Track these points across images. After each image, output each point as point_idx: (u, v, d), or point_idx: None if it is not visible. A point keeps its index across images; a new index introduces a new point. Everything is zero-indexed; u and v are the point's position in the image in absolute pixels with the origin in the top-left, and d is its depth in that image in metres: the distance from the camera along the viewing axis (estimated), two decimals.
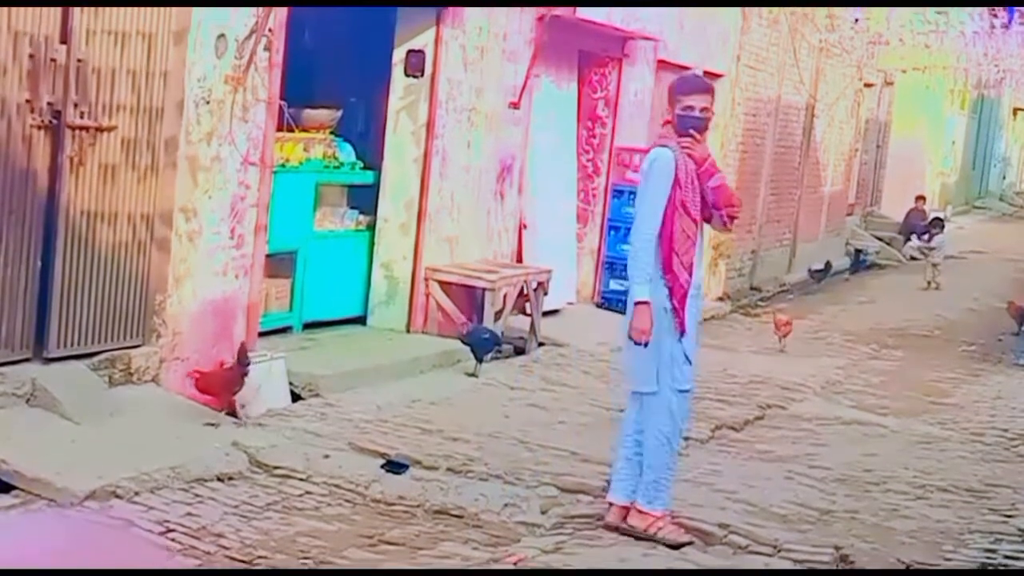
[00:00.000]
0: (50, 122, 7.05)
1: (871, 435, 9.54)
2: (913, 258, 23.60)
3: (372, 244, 10.68)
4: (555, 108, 12.93)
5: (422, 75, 10.45)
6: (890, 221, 26.69)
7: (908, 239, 24.60)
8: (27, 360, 7.18)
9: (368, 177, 10.66)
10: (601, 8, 12.53)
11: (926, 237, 22.07)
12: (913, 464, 8.59)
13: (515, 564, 5.92)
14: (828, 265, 19.32)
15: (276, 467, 6.99)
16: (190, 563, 5.57)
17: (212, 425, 7.41)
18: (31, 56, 6.88)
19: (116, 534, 5.78)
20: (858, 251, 22.80)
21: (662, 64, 14.56)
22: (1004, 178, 44.71)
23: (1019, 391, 12.06)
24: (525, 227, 12.32)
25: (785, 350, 13.08)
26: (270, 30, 8.34)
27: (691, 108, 6.37)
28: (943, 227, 22.39)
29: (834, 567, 6.29)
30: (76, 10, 7.05)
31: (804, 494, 7.51)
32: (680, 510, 6.75)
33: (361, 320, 10.64)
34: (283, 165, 9.44)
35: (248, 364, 7.71)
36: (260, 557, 5.71)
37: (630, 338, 6.22)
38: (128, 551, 5.62)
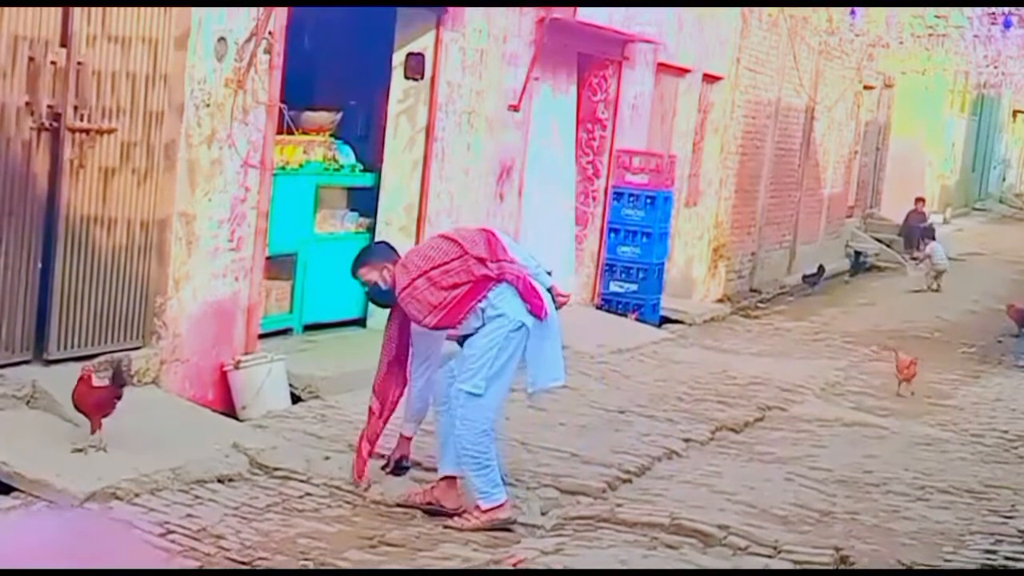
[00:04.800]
0: (50, 125, 7.04)
1: (871, 437, 9.54)
2: (914, 257, 23.39)
3: None
4: (555, 111, 12.93)
5: (422, 78, 10.45)
6: (890, 223, 26.71)
7: (909, 247, 24.52)
8: (27, 362, 7.18)
9: (368, 180, 10.66)
10: (601, 11, 12.54)
11: (923, 244, 22.11)
12: (913, 466, 8.60)
13: (515, 565, 5.92)
14: (821, 269, 19.31)
15: (276, 469, 6.99)
16: (190, 565, 5.57)
17: (79, 451, 6.49)
18: (31, 59, 6.87)
19: (116, 535, 5.79)
20: (858, 253, 22.82)
21: (662, 67, 14.58)
22: (1004, 180, 44.74)
23: (1019, 393, 12.07)
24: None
25: (904, 395, 11.31)
26: (270, 33, 8.35)
27: (365, 287, 6.96)
28: (934, 235, 22.45)
29: (834, 569, 6.29)
30: (76, 13, 7.05)
31: (804, 495, 7.51)
32: (681, 511, 6.77)
33: (361, 322, 10.63)
34: (283, 168, 9.44)
35: (124, 385, 6.71)
36: (260, 559, 5.71)
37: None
38: (128, 553, 5.63)
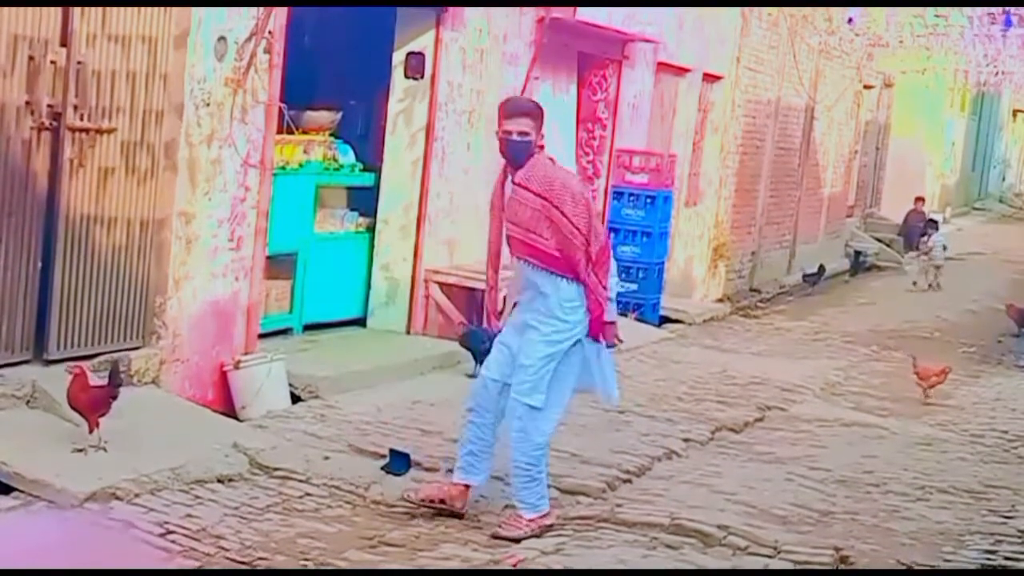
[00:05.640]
0: (50, 124, 7.05)
1: (871, 437, 9.54)
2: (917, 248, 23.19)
3: (372, 246, 10.67)
4: (554, 110, 12.91)
5: (422, 77, 10.45)
6: (890, 223, 26.71)
7: (909, 248, 24.48)
8: (27, 362, 7.18)
9: (368, 179, 10.66)
10: (601, 11, 12.53)
11: (924, 238, 22.10)
12: (913, 466, 8.59)
13: (515, 565, 5.92)
14: (821, 268, 19.31)
15: (276, 469, 6.98)
16: (190, 565, 5.57)
17: (79, 451, 6.52)
18: (31, 58, 6.88)
19: (116, 536, 5.79)
20: (858, 252, 22.82)
21: (662, 66, 14.57)
22: (1004, 180, 44.73)
23: (1019, 393, 12.07)
24: None
25: (930, 401, 11.13)
26: (270, 32, 8.35)
27: (508, 132, 6.38)
28: (937, 226, 22.42)
29: (834, 569, 6.29)
30: (76, 13, 7.06)
31: (804, 495, 7.51)
32: (680, 511, 6.77)
33: (361, 322, 10.64)
34: (283, 167, 9.44)
35: (120, 385, 6.72)
36: (260, 559, 5.71)
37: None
38: (128, 553, 5.63)
